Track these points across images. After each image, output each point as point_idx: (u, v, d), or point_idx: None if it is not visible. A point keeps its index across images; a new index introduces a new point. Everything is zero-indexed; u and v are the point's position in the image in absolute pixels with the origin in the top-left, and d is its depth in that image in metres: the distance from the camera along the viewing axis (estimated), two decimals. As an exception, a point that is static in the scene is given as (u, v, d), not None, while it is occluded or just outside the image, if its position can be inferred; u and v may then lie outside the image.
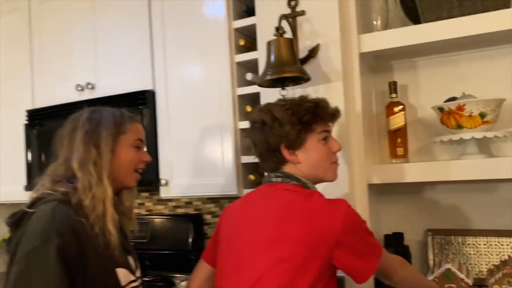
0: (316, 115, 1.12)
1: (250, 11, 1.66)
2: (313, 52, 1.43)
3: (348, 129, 1.43)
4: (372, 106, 1.66)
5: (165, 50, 1.77)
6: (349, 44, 1.46)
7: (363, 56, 1.50)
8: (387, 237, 1.52)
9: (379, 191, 1.64)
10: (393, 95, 1.55)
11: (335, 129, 1.35)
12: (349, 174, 1.40)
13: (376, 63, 1.66)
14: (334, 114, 1.17)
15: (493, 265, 1.43)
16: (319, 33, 1.44)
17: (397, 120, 1.53)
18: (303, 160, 1.11)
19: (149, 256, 1.98)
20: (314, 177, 1.13)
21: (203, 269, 1.22)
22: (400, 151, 1.53)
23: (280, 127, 1.10)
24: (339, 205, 1.01)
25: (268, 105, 1.17)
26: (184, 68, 1.73)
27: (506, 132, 1.37)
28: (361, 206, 1.42)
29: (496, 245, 1.47)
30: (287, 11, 1.45)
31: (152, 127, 1.76)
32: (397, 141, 1.54)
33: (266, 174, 1.19)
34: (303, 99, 1.15)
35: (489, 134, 1.35)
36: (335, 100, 1.39)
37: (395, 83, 1.56)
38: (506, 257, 1.40)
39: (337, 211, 1.00)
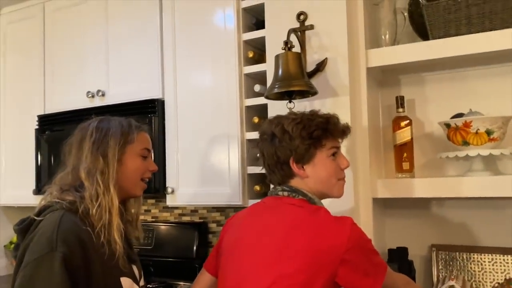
0: (326, 131, 1.13)
1: (259, 24, 1.68)
2: (321, 66, 1.44)
3: (354, 143, 1.43)
4: (378, 120, 1.67)
5: (175, 59, 1.80)
6: (357, 59, 1.47)
7: (371, 70, 1.51)
8: (391, 251, 1.52)
9: (384, 205, 1.64)
10: (400, 109, 1.55)
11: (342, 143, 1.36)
12: (355, 188, 1.41)
13: (384, 77, 1.66)
14: (344, 131, 1.18)
15: (498, 283, 1.42)
16: (327, 47, 1.46)
17: (404, 135, 1.53)
18: (311, 174, 1.12)
19: (153, 263, 2.00)
20: (320, 192, 1.14)
21: (204, 278, 1.23)
22: (406, 165, 1.53)
23: (290, 141, 1.10)
24: (345, 222, 1.02)
25: (279, 117, 1.17)
26: (193, 78, 1.75)
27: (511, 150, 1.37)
28: (366, 220, 1.43)
29: (501, 263, 1.46)
30: (296, 25, 1.47)
31: (161, 136, 1.78)
32: (403, 156, 1.54)
33: (272, 186, 1.20)
34: (314, 114, 1.16)
35: (496, 152, 1.35)
36: (342, 114, 1.39)
37: (402, 97, 1.56)
38: (511, 275, 1.39)
39: (343, 228, 1.00)
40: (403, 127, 1.54)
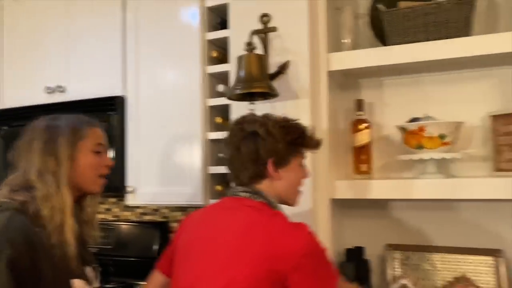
0: (305, 140, 1.17)
1: (224, 24, 1.68)
2: (282, 69, 1.46)
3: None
4: (339, 122, 1.70)
5: (138, 56, 1.77)
6: (318, 62, 1.49)
7: (332, 74, 1.54)
8: (348, 251, 1.56)
9: (343, 205, 1.68)
10: (359, 112, 1.59)
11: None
12: (313, 189, 1.43)
13: (345, 80, 1.70)
14: (317, 144, 1.21)
15: (448, 281, 1.48)
16: (289, 50, 1.47)
17: (362, 137, 1.57)
18: (283, 178, 1.13)
19: (113, 263, 1.97)
20: (281, 198, 1.15)
21: (157, 278, 1.22)
22: (363, 167, 1.57)
23: (274, 142, 1.12)
24: (302, 230, 1.02)
25: (264, 118, 1.18)
26: (156, 76, 1.74)
27: (464, 154, 1.43)
28: (323, 220, 1.46)
29: (450, 261, 1.52)
30: (260, 26, 1.48)
31: (121, 134, 1.75)
32: (361, 158, 1.58)
33: (232, 186, 1.20)
34: (295, 121, 1.19)
35: (448, 155, 1.41)
36: (302, 116, 1.42)
37: (361, 101, 1.60)
38: (460, 274, 1.45)
39: (298, 236, 1.01)
40: (361, 130, 1.58)
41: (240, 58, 1.38)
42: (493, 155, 1.48)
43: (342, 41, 1.59)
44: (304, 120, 1.41)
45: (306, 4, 1.46)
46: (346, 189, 1.49)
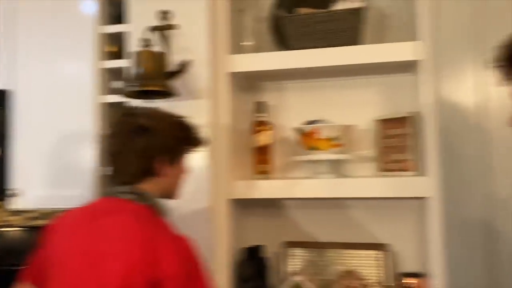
0: (194, 138, 1.16)
1: (122, 17, 1.60)
2: (182, 68, 1.43)
3: (213, 146, 1.46)
4: (241, 123, 1.72)
5: (27, 47, 1.62)
6: (218, 63, 1.49)
7: (234, 75, 1.56)
8: (246, 249, 1.58)
9: (244, 205, 1.70)
10: (259, 114, 1.63)
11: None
12: (212, 189, 1.43)
13: (248, 82, 1.72)
14: (204, 143, 1.22)
15: (340, 275, 1.57)
16: (190, 49, 1.45)
17: (262, 138, 1.61)
18: (170, 175, 1.11)
19: (-2, 272, 1.78)
20: (165, 193, 1.12)
21: None
22: (263, 167, 1.61)
23: (166, 139, 1.08)
24: (181, 242, 1.00)
25: (154, 112, 1.12)
26: (47, 69, 1.60)
27: (354, 155, 1.52)
28: (221, 220, 1.46)
29: (342, 257, 1.61)
30: (160, 23, 1.44)
31: (6, 131, 1.60)
32: (261, 158, 1.61)
33: (112, 184, 1.11)
34: (183, 118, 1.16)
35: (338, 157, 1.49)
36: (203, 116, 1.42)
37: (262, 102, 1.64)
38: (351, 269, 1.55)
39: (176, 248, 0.98)
40: (262, 131, 1.61)
41: (136, 54, 1.33)
42: (378, 156, 1.60)
43: (244, 43, 1.61)
44: (205, 120, 1.42)
45: (205, 4, 1.45)
46: (245, 189, 1.51)
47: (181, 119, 1.16)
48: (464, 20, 1.34)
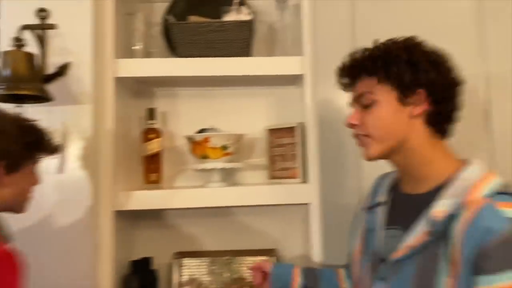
0: (43, 143, 1.06)
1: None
2: (61, 70, 1.34)
3: (97, 154, 1.38)
4: (132, 130, 1.66)
5: None
6: (104, 67, 1.43)
7: (122, 80, 1.50)
8: (134, 263, 1.52)
9: (134, 216, 1.64)
10: (151, 121, 1.58)
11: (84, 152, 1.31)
12: (94, 200, 1.35)
13: (139, 88, 1.67)
14: (55, 150, 1.11)
15: (228, 283, 1.58)
16: (71, 51, 1.36)
17: (153, 146, 1.57)
18: (13, 184, 1.00)
19: None
20: (9, 206, 1.02)
21: None
22: (153, 177, 1.57)
23: (8, 143, 0.97)
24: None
25: None
26: None
27: (243, 164, 1.55)
28: (106, 233, 1.39)
29: (233, 264, 1.62)
30: (36, 21, 1.33)
31: None
32: (151, 167, 1.57)
33: None
34: (32, 121, 1.06)
35: (228, 165, 1.50)
36: (84, 122, 1.35)
37: (153, 109, 1.59)
38: (240, 276, 1.57)
39: None
40: (152, 139, 1.57)
41: (5, 54, 1.21)
42: (268, 164, 1.65)
43: (135, 48, 1.56)
44: (86, 126, 1.34)
45: (90, 4, 1.37)
46: (132, 200, 1.45)
47: (28, 122, 1.05)
48: (342, 37, 1.45)
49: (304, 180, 1.52)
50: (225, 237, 1.66)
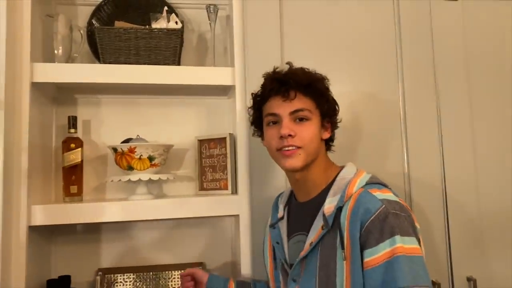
0: None
1: None
2: (-32, 73, 1.22)
3: (10, 166, 1.27)
4: (51, 140, 1.55)
5: None
6: (18, 71, 1.32)
7: (41, 86, 1.40)
8: (50, 282, 1.41)
9: (52, 232, 1.53)
10: (72, 130, 1.49)
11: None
12: (5, 214, 1.24)
13: (59, 94, 1.57)
14: None
15: (156, 299, 1.52)
16: (-20, 52, 1.25)
17: (73, 157, 1.47)
18: None
19: None
20: None
21: None
22: (74, 189, 1.47)
23: None
24: None
25: None
26: None
27: (170, 175, 1.50)
28: (18, 250, 1.28)
29: (162, 279, 1.56)
30: None
31: None
32: (71, 179, 1.47)
33: None
34: None
35: (154, 177, 1.45)
36: (-6, 130, 1.23)
37: (74, 117, 1.50)
38: (167, 290, 1.51)
39: None
40: (72, 149, 1.48)
41: None
42: (198, 175, 1.62)
43: (56, 52, 1.47)
44: (-3, 135, 1.23)
45: (4, 4, 1.27)
46: (49, 214, 1.35)
47: None
48: (272, 48, 1.47)
49: (234, 192, 1.51)
50: (151, 252, 1.60)
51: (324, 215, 0.97)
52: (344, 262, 0.90)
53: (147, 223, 1.60)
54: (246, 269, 1.41)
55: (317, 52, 1.49)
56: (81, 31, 1.52)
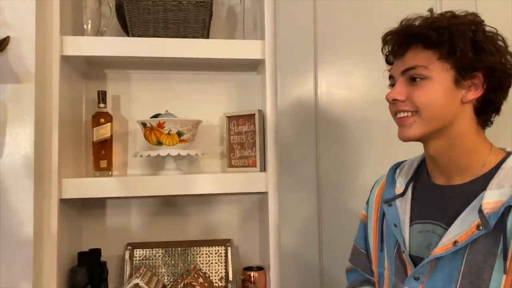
0: None
1: None
2: (0, 45, 1.22)
3: (40, 138, 1.28)
4: (81, 114, 1.56)
5: None
6: (48, 44, 1.32)
7: (70, 59, 1.40)
8: (81, 254, 1.43)
9: (82, 205, 1.55)
10: (101, 104, 1.49)
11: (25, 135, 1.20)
12: (36, 187, 1.25)
13: (89, 69, 1.57)
14: None
15: (184, 274, 1.52)
16: (11, 25, 1.25)
17: (103, 131, 1.47)
18: None
19: None
20: None
21: None
22: (103, 163, 1.48)
23: None
24: None
25: None
26: None
27: (199, 151, 1.48)
28: (50, 223, 1.30)
29: (188, 255, 1.56)
30: (-30, -10, 1.21)
31: None
32: (101, 154, 1.48)
33: None
34: None
35: (183, 152, 1.44)
36: (25, 103, 1.24)
37: (104, 92, 1.50)
38: (194, 266, 1.51)
39: None
40: (102, 123, 1.48)
41: None
42: (227, 152, 1.59)
43: (86, 26, 1.46)
44: (28, 108, 1.24)
45: (33, -25, 1.26)
46: (80, 188, 1.36)
47: None
48: (305, 23, 1.41)
49: (262, 169, 1.48)
50: (179, 227, 1.60)
51: (481, 211, 0.74)
52: (504, 276, 0.71)
53: (175, 198, 1.60)
54: (274, 248, 1.39)
55: (353, 26, 1.42)
56: (110, 4, 1.49)
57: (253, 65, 1.58)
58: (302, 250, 1.36)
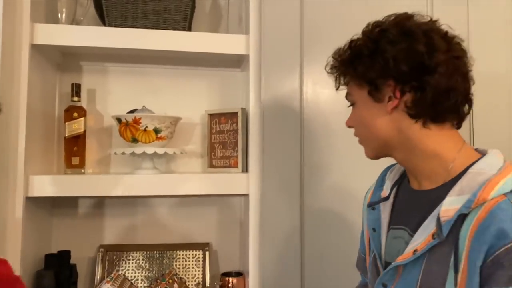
0: None
1: None
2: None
3: (6, 131, 1.19)
4: (54, 108, 1.47)
5: None
6: (17, 31, 1.23)
7: (43, 49, 1.31)
8: (48, 257, 1.34)
9: (53, 204, 1.46)
10: (75, 98, 1.41)
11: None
12: (2, 184, 1.17)
13: (64, 61, 1.48)
14: None
15: (158, 280, 1.44)
16: (-24, 10, 1.16)
17: (75, 126, 1.39)
18: None
19: None
20: None
21: None
22: (75, 160, 1.39)
23: None
24: None
25: None
26: None
27: (177, 150, 1.41)
28: (14, 222, 1.21)
29: (162, 258, 1.49)
30: None
31: None
32: (73, 150, 1.40)
33: None
34: None
35: (160, 150, 1.36)
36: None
37: (78, 85, 1.42)
38: (170, 271, 1.43)
39: None
40: (75, 118, 1.39)
41: None
42: (207, 151, 1.52)
43: (60, 15, 1.37)
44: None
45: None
46: (49, 186, 1.27)
47: None
48: (291, 18, 1.35)
49: (244, 170, 1.41)
50: (155, 230, 1.52)
51: (439, 219, 0.70)
52: None
53: (152, 199, 1.52)
54: (254, 252, 1.32)
55: (342, 22, 1.37)
56: (87, -7, 1.42)
57: (237, 62, 1.51)
58: (284, 255, 1.30)
